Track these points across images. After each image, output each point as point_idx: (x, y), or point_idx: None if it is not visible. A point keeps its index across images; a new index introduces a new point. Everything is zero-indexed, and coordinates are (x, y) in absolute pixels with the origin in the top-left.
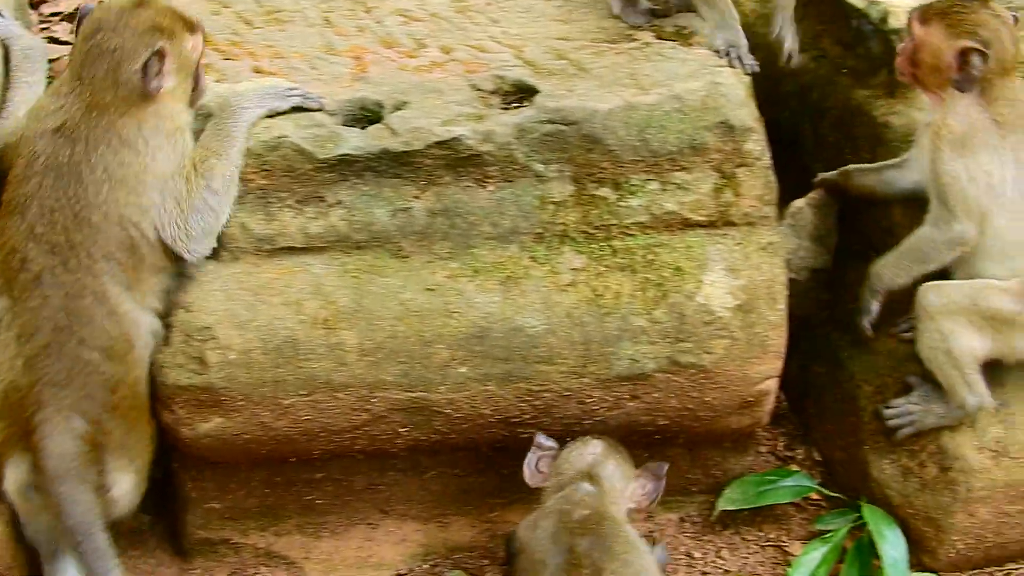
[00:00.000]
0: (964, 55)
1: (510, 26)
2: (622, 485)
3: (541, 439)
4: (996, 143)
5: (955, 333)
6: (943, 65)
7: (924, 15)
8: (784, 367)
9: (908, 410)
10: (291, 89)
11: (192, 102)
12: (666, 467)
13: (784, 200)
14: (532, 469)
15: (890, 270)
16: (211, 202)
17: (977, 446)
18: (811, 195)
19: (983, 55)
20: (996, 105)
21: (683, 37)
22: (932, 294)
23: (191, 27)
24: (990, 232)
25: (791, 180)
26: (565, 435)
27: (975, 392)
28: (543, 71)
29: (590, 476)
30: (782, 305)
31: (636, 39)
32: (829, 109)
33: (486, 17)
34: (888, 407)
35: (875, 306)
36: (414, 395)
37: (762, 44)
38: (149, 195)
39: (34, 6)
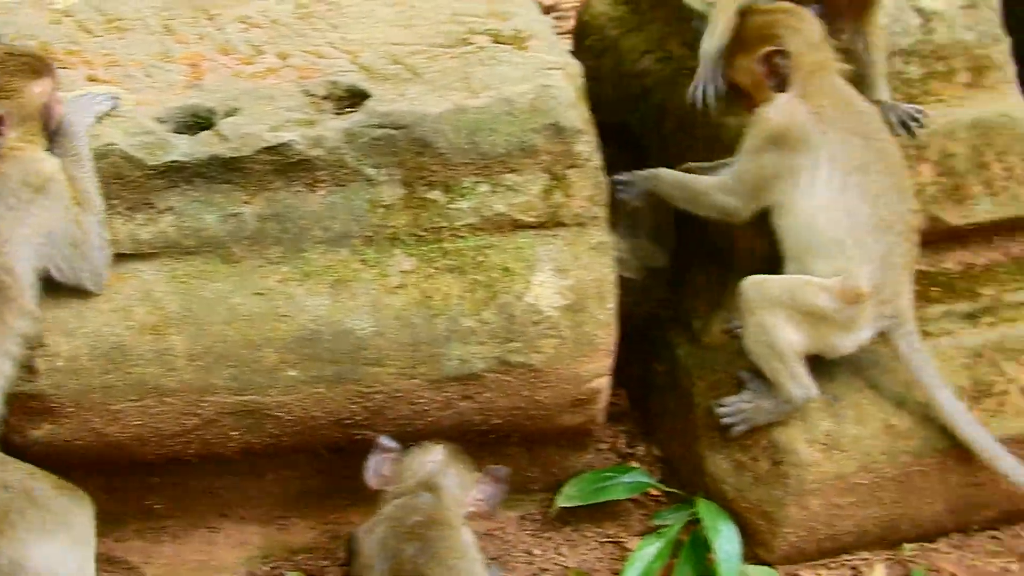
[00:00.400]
0: (768, 59)
1: (349, 32)
2: (462, 492)
3: (383, 441)
4: (816, 140)
5: (776, 327)
6: (758, 78)
7: (728, 50)
8: (625, 366)
9: (740, 408)
10: (102, 94)
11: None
12: (507, 471)
13: None
14: (374, 472)
15: (669, 182)
16: (102, 231)
17: (808, 440)
18: None
19: (784, 53)
20: (816, 98)
21: (519, 41)
22: (753, 289)
23: (35, 72)
24: (811, 230)
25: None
26: (399, 436)
27: (800, 384)
28: (377, 76)
29: (430, 485)
30: (611, 304)
31: (472, 43)
32: (672, 110)
33: (327, 23)
34: (721, 405)
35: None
36: (244, 399)
37: (610, 48)
38: (32, 246)
39: None
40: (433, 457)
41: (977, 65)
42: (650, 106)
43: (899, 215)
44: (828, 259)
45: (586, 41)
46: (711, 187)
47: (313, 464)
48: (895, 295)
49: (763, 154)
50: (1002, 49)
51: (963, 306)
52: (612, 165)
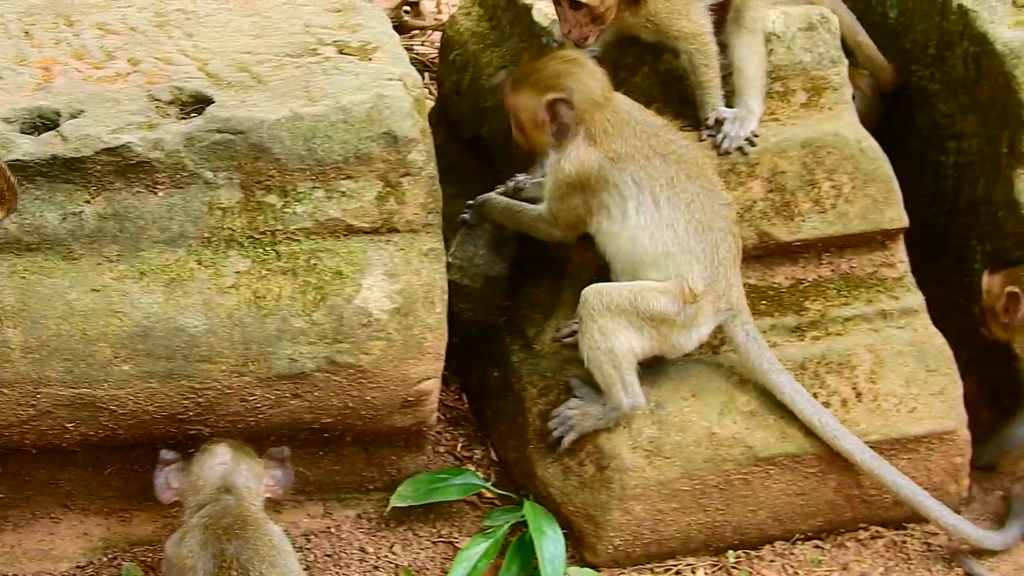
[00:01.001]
0: (551, 107)
1: (202, 40)
2: (256, 483)
3: (165, 454)
4: (615, 177)
5: (616, 333)
6: (539, 123)
7: (513, 84)
8: (465, 371)
9: (567, 415)
10: None
11: None
12: (288, 452)
13: None
14: (163, 486)
15: (499, 210)
16: None
17: (632, 446)
18: None
19: (567, 102)
20: (605, 140)
21: (364, 52)
22: (594, 297)
23: None
24: (637, 251)
25: (486, 190)
26: (230, 433)
27: (630, 393)
28: (222, 83)
29: (227, 487)
30: (440, 309)
31: (319, 53)
32: None
33: (182, 31)
34: (551, 418)
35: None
36: (78, 392)
37: (471, 62)
38: None
39: None
40: (221, 459)
41: (814, 86)
42: (500, 119)
43: (714, 212)
44: (659, 270)
45: (450, 56)
46: (534, 219)
47: (152, 458)
48: (728, 288)
49: (568, 198)
50: (839, 71)
51: (790, 320)
52: (470, 176)
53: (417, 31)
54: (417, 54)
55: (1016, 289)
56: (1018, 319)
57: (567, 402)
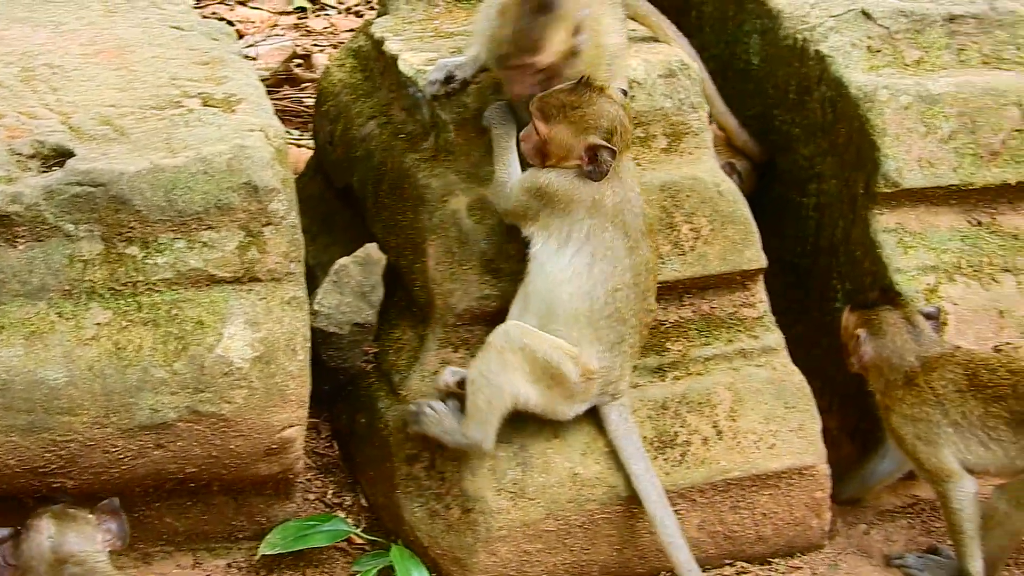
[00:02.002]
0: (593, 151)
1: (67, 94)
2: (91, 544)
3: None
4: (578, 219)
5: (514, 374)
6: (574, 157)
7: (545, 113)
8: (336, 417)
9: (426, 412)
10: None
11: None
12: (116, 501)
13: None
14: (1, 565)
15: (497, 134)
16: None
17: (496, 488)
18: (357, 253)
19: (611, 150)
20: (606, 184)
21: (228, 104)
22: (515, 330)
23: None
24: (555, 297)
25: (358, 241)
26: (94, 485)
27: (487, 435)
28: (84, 136)
29: (63, 559)
30: (303, 356)
31: (183, 105)
32: (387, 172)
33: (48, 86)
34: (414, 401)
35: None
36: None
37: (343, 113)
38: None
39: None
40: (46, 533)
41: (675, 131)
42: (370, 168)
43: (634, 311)
44: (566, 328)
45: (324, 107)
46: (505, 180)
47: (20, 512)
48: (619, 378)
49: (535, 199)
50: (699, 116)
51: (652, 360)
52: (344, 225)
53: (308, 83)
54: (307, 106)
55: (861, 332)
56: (864, 361)
57: (435, 402)
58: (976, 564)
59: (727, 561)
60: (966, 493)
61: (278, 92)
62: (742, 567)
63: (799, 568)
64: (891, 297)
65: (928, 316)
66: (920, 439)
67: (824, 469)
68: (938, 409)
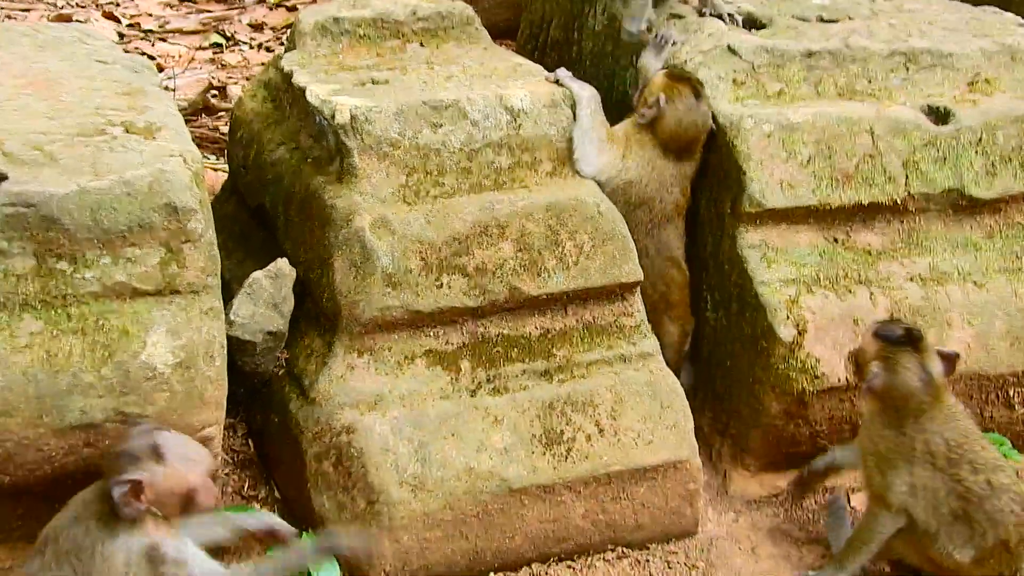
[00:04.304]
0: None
1: (1, 122)
2: None
3: None
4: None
5: None
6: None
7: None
8: (251, 417)
9: None
10: None
11: None
12: None
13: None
14: None
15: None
16: None
17: (398, 481)
18: (269, 267)
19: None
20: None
21: (149, 132)
22: None
23: None
24: None
25: (270, 256)
26: (29, 480)
27: None
28: (16, 161)
29: None
30: (220, 362)
31: (108, 133)
32: (295, 194)
33: None
34: None
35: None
36: None
37: (255, 139)
38: None
39: None
40: None
41: (559, 156)
42: (280, 190)
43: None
44: None
45: (237, 134)
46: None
47: None
48: None
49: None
50: None
51: (539, 365)
52: (257, 242)
53: (223, 112)
54: (222, 133)
55: (875, 366)
56: (872, 389)
57: None
58: (852, 564)
59: (609, 547)
60: (890, 525)
61: (196, 120)
62: (622, 552)
63: (674, 553)
64: (915, 338)
65: (945, 357)
66: (884, 463)
67: (696, 463)
68: (912, 451)
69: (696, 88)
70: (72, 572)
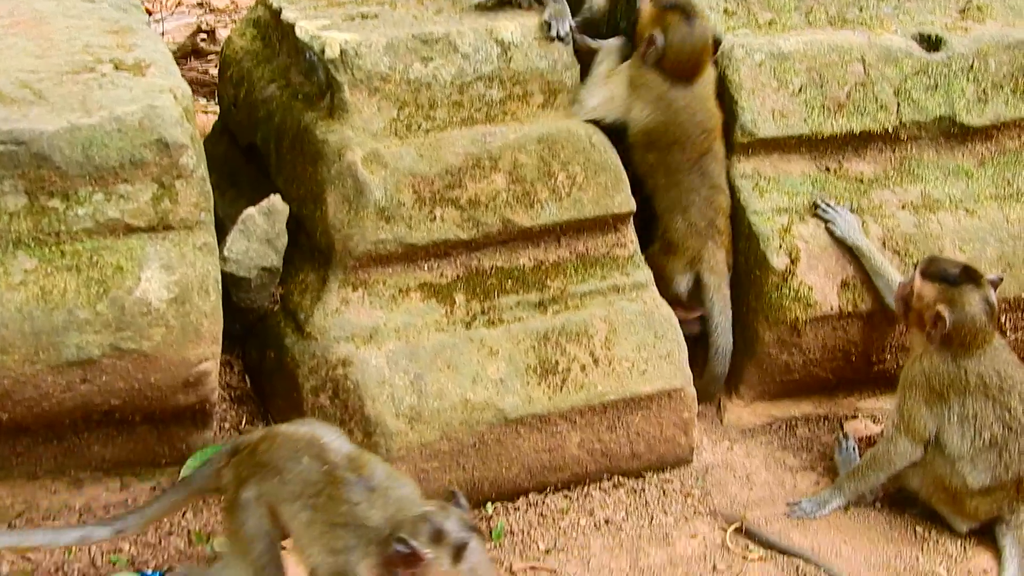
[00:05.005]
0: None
1: None
2: None
3: None
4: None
5: None
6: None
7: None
8: (247, 353)
9: None
10: None
11: None
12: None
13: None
14: None
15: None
16: None
17: (394, 413)
18: (262, 204)
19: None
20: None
21: (139, 68)
22: None
23: None
24: None
25: (263, 194)
26: (27, 418)
27: None
28: (6, 99)
29: None
30: (215, 297)
31: (96, 70)
32: (287, 130)
33: None
34: None
35: None
36: None
37: (245, 78)
38: None
39: None
40: None
41: (550, 89)
42: (272, 127)
43: None
44: None
45: (227, 73)
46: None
47: None
48: None
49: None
50: (572, 74)
51: (534, 296)
52: (248, 180)
53: (212, 55)
54: (212, 76)
55: (943, 308)
56: (937, 336)
57: None
58: (853, 489)
59: (605, 476)
60: (908, 455)
61: (185, 64)
62: (618, 481)
63: (669, 481)
64: (973, 275)
65: (993, 285)
66: (932, 396)
67: (691, 392)
68: (966, 384)
69: (685, 10)
70: None
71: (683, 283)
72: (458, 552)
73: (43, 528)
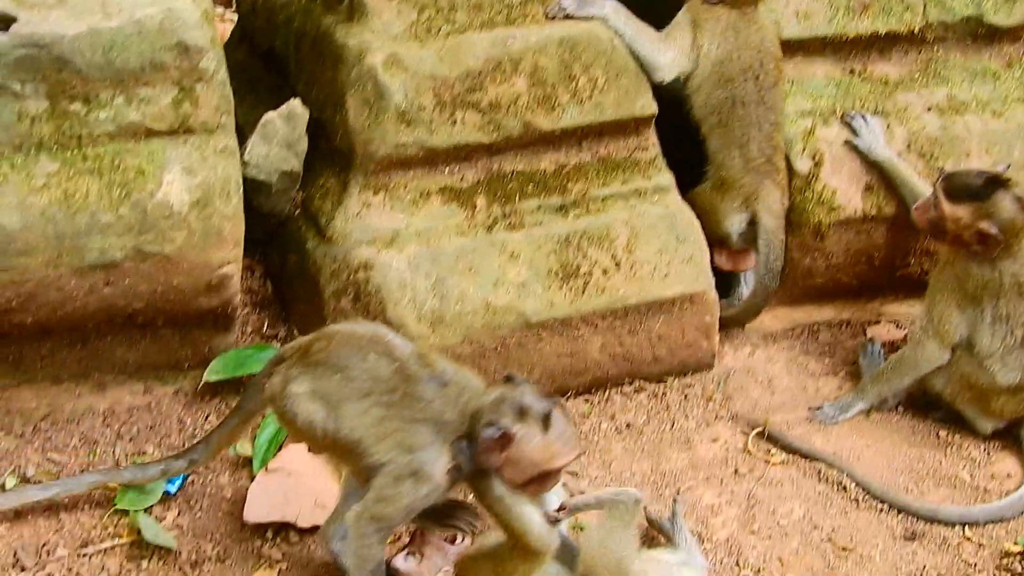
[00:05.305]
0: None
1: None
2: None
3: None
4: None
5: None
6: None
7: None
8: (268, 258)
9: None
10: None
11: None
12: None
13: None
14: None
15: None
16: None
17: (416, 316)
18: (282, 108)
19: None
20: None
21: None
22: None
23: None
24: None
25: (282, 100)
26: (52, 321)
27: None
28: (25, 4)
29: None
30: (236, 200)
31: None
32: (306, 35)
33: None
34: None
35: None
36: None
37: None
38: None
39: None
40: None
41: None
42: (290, 32)
43: None
44: None
45: None
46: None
47: None
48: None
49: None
50: None
51: (555, 200)
52: (267, 86)
53: None
54: None
55: (986, 224)
56: (990, 251)
57: None
58: (877, 393)
59: (626, 380)
60: (936, 359)
61: None
62: (640, 385)
63: (691, 386)
64: (999, 180)
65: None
66: (965, 300)
67: (712, 296)
68: (1000, 286)
69: None
70: None
71: (736, 223)
72: (545, 420)
73: (131, 466)
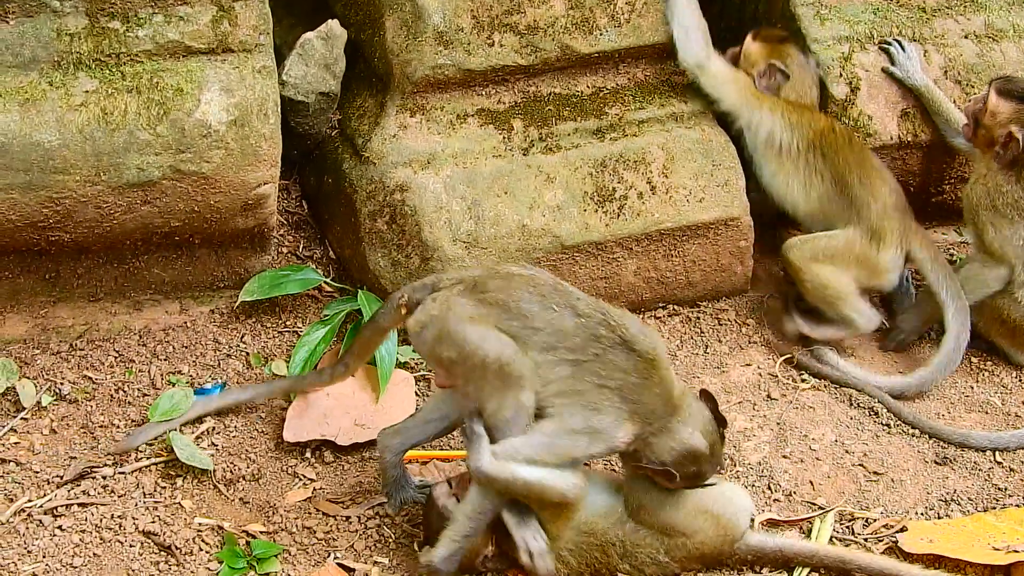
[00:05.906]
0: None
1: None
2: None
3: None
4: None
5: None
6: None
7: None
8: (305, 179)
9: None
10: None
11: None
12: None
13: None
14: None
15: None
16: None
17: (452, 239)
18: (320, 28)
19: None
20: None
21: None
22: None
23: None
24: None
25: (320, 21)
26: (89, 239)
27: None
28: None
29: None
30: (274, 120)
31: None
32: None
33: None
34: None
35: None
36: None
37: None
38: None
39: None
40: None
41: None
42: None
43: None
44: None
45: None
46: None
47: (20, 265)
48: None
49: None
50: None
51: (591, 123)
52: (306, 8)
53: None
54: None
55: (1015, 128)
56: (1007, 156)
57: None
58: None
59: (660, 304)
60: (997, 281)
61: None
62: (673, 309)
63: (724, 310)
64: None
65: None
66: (998, 219)
67: (747, 221)
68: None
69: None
70: None
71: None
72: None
73: (312, 372)
